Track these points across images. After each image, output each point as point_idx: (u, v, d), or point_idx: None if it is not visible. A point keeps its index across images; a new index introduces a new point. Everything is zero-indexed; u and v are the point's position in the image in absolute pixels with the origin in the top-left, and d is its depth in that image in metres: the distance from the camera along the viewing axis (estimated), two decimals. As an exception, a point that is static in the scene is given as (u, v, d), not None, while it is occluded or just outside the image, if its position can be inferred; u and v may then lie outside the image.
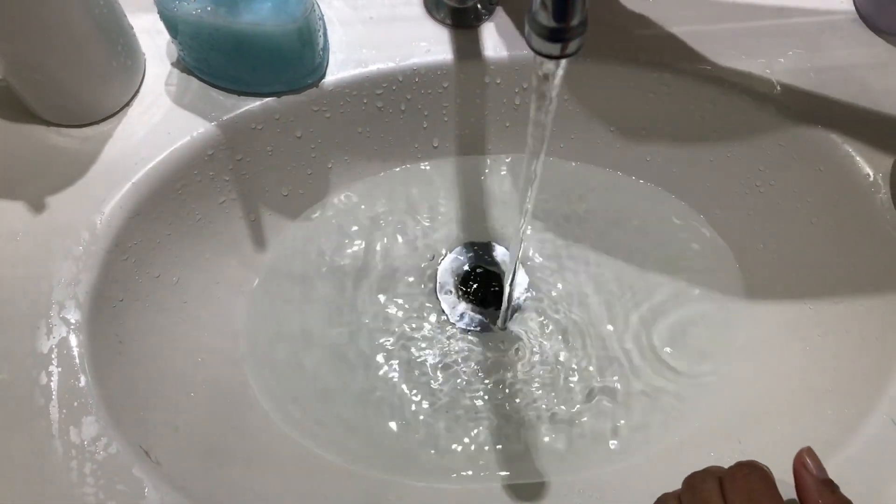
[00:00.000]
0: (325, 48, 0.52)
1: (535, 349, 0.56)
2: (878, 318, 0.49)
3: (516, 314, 0.57)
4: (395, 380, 0.54)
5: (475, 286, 0.59)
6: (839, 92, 0.52)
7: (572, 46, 0.31)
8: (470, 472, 0.51)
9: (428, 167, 0.60)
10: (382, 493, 0.49)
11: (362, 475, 0.50)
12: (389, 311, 0.57)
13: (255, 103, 0.51)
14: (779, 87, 0.52)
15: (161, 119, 0.49)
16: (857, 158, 0.50)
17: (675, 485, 0.47)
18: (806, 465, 0.35)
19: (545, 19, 0.30)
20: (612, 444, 0.52)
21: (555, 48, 0.31)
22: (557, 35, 0.31)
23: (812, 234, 0.53)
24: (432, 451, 0.52)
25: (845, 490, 0.42)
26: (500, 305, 0.56)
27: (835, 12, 0.55)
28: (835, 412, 0.47)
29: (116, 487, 0.40)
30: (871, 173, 0.50)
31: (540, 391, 0.54)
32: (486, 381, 0.54)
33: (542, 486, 0.50)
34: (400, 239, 0.59)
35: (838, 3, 0.56)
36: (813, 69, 0.53)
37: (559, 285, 0.58)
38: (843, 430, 0.45)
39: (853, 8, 0.56)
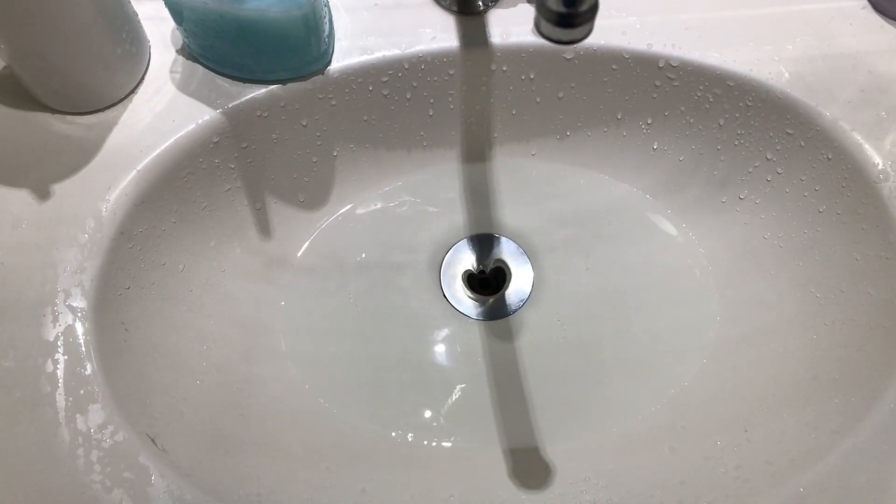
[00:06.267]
0: (331, 35, 0.52)
1: (539, 339, 0.56)
2: (885, 308, 0.49)
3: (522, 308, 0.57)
4: (403, 366, 0.54)
5: (480, 275, 0.59)
6: (848, 79, 0.52)
7: (581, 31, 0.31)
8: (476, 453, 0.51)
9: (433, 155, 0.60)
10: (387, 480, 0.49)
11: (368, 463, 0.50)
12: (396, 299, 0.57)
13: (260, 91, 0.50)
14: (787, 75, 0.52)
15: (166, 106, 0.49)
16: (866, 147, 0.50)
17: (681, 477, 0.48)
18: None
19: (554, 4, 0.30)
20: (616, 437, 0.52)
21: (564, 33, 0.31)
22: (567, 20, 0.31)
23: (820, 222, 0.53)
24: (438, 436, 0.52)
25: (852, 480, 0.42)
26: (504, 293, 0.56)
27: (844, -2, 0.55)
28: (841, 401, 0.47)
29: (123, 475, 0.40)
30: (880, 162, 0.49)
31: (542, 381, 0.54)
32: (492, 364, 0.54)
33: (547, 477, 0.50)
34: (406, 228, 0.59)
35: (848, -11, 0.55)
36: (822, 56, 0.53)
37: (563, 281, 0.58)
38: (850, 419, 0.45)
39: (863, -6, 0.55)
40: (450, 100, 0.56)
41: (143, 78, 0.50)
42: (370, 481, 0.49)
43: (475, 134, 0.59)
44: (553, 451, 0.51)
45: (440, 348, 0.55)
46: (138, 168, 0.47)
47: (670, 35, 0.53)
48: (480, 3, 0.54)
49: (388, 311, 0.56)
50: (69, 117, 0.49)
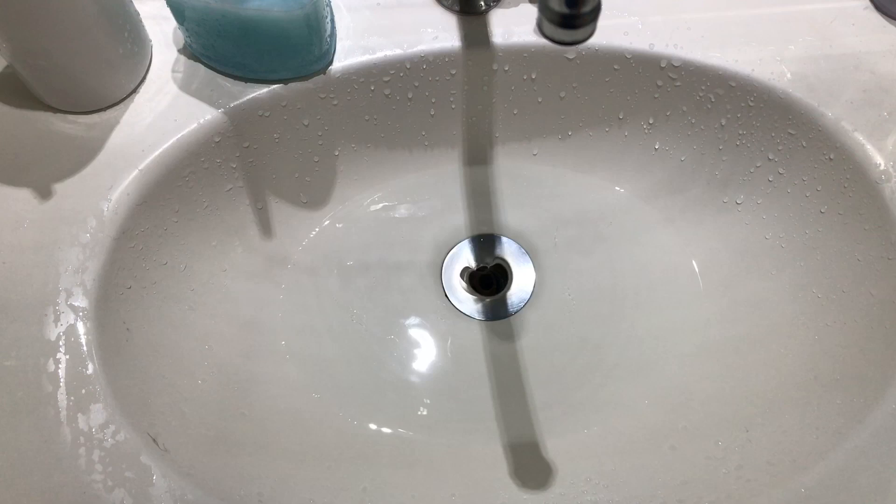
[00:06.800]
0: (333, 35, 0.52)
1: (540, 339, 0.56)
2: (886, 308, 0.49)
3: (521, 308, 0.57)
4: (404, 365, 0.54)
5: (480, 272, 0.59)
6: (850, 80, 0.52)
7: (584, 32, 0.31)
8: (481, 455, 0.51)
9: (435, 155, 0.60)
10: (388, 480, 0.49)
11: (369, 462, 0.50)
12: (397, 299, 0.57)
13: (262, 90, 0.50)
14: (789, 75, 0.52)
15: (168, 106, 0.49)
16: (868, 147, 0.50)
17: (683, 477, 0.48)
18: None
19: (557, 5, 0.30)
20: (617, 437, 0.52)
21: (567, 34, 0.31)
22: (569, 21, 0.31)
23: (821, 223, 0.53)
24: (439, 435, 0.52)
25: (854, 480, 0.42)
26: (505, 293, 0.56)
27: (847, -1, 0.55)
28: (843, 401, 0.47)
29: (124, 474, 0.40)
30: (881, 162, 0.49)
31: (543, 380, 0.54)
32: (494, 364, 0.54)
33: (548, 477, 0.50)
34: (407, 228, 0.59)
35: (851, -11, 0.55)
36: (824, 56, 0.53)
37: (564, 281, 0.58)
38: (852, 420, 0.45)
39: (866, -5, 0.55)
40: (451, 99, 0.56)
41: (144, 77, 0.50)
42: (371, 480, 0.49)
43: (477, 134, 0.59)
44: (554, 450, 0.51)
45: (441, 348, 0.55)
46: (140, 167, 0.47)
47: (672, 35, 0.53)
48: (482, 3, 0.53)
49: (389, 311, 0.56)
50: (71, 116, 0.49)
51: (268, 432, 0.49)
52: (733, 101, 0.54)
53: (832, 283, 0.52)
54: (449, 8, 0.54)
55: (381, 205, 0.60)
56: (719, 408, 0.52)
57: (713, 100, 0.54)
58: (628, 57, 0.53)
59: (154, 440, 0.42)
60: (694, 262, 0.58)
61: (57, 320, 0.43)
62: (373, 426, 0.52)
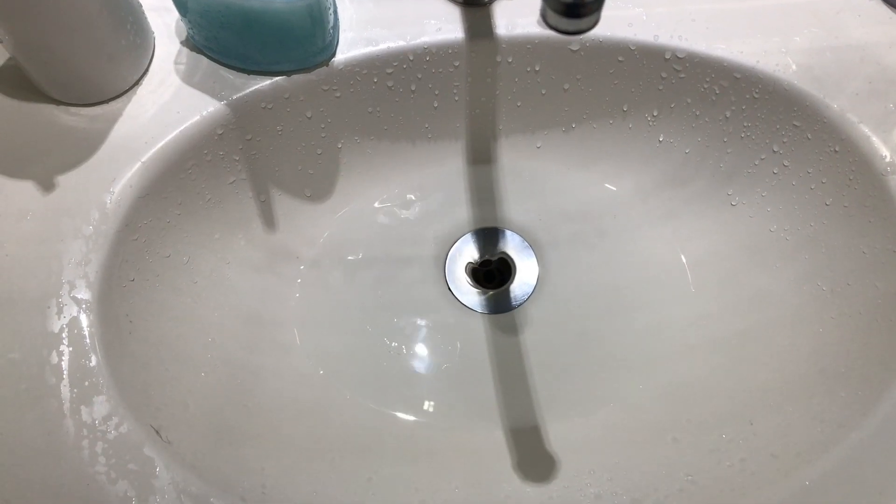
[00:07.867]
0: (336, 26, 0.52)
1: (543, 332, 0.55)
2: (892, 301, 0.48)
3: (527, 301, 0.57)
4: (407, 359, 0.54)
5: (484, 267, 0.59)
6: (856, 71, 0.51)
7: (588, 22, 0.31)
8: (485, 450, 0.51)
9: (438, 147, 0.60)
10: (392, 471, 0.49)
11: (373, 454, 0.50)
12: (400, 292, 0.57)
13: (265, 82, 0.50)
14: (794, 67, 0.51)
15: (170, 98, 0.49)
16: (874, 139, 0.49)
17: (687, 470, 0.47)
18: None
19: (562, -6, 0.30)
20: (621, 430, 0.52)
21: (571, 24, 0.31)
22: (574, 10, 0.30)
23: (826, 215, 0.53)
24: (442, 428, 0.52)
25: (858, 473, 0.42)
26: (508, 287, 0.56)
27: (853, -10, 0.55)
28: (848, 394, 0.47)
29: (128, 466, 0.40)
30: (887, 154, 0.49)
31: (546, 374, 0.54)
32: (497, 357, 0.54)
33: (552, 469, 0.50)
34: (410, 221, 0.59)
35: (857, -20, 0.55)
36: (829, 48, 0.52)
37: (568, 275, 0.58)
38: (857, 413, 0.45)
39: (872, -14, 0.55)
40: (455, 91, 0.56)
41: (147, 69, 0.50)
42: (375, 472, 0.49)
43: (480, 126, 0.59)
44: (557, 443, 0.51)
45: (445, 342, 0.55)
46: (143, 160, 0.47)
47: (677, 26, 0.53)
48: (486, -6, 0.53)
49: (392, 305, 0.56)
50: (73, 109, 0.49)
51: (271, 424, 0.49)
52: (738, 92, 0.53)
53: (837, 275, 0.52)
54: (452, -1, 0.54)
55: (384, 198, 0.60)
56: (723, 401, 0.51)
57: (718, 92, 0.54)
58: (632, 48, 0.53)
59: (157, 432, 0.42)
60: (698, 254, 0.58)
61: (60, 313, 0.43)
62: (377, 418, 0.52)
